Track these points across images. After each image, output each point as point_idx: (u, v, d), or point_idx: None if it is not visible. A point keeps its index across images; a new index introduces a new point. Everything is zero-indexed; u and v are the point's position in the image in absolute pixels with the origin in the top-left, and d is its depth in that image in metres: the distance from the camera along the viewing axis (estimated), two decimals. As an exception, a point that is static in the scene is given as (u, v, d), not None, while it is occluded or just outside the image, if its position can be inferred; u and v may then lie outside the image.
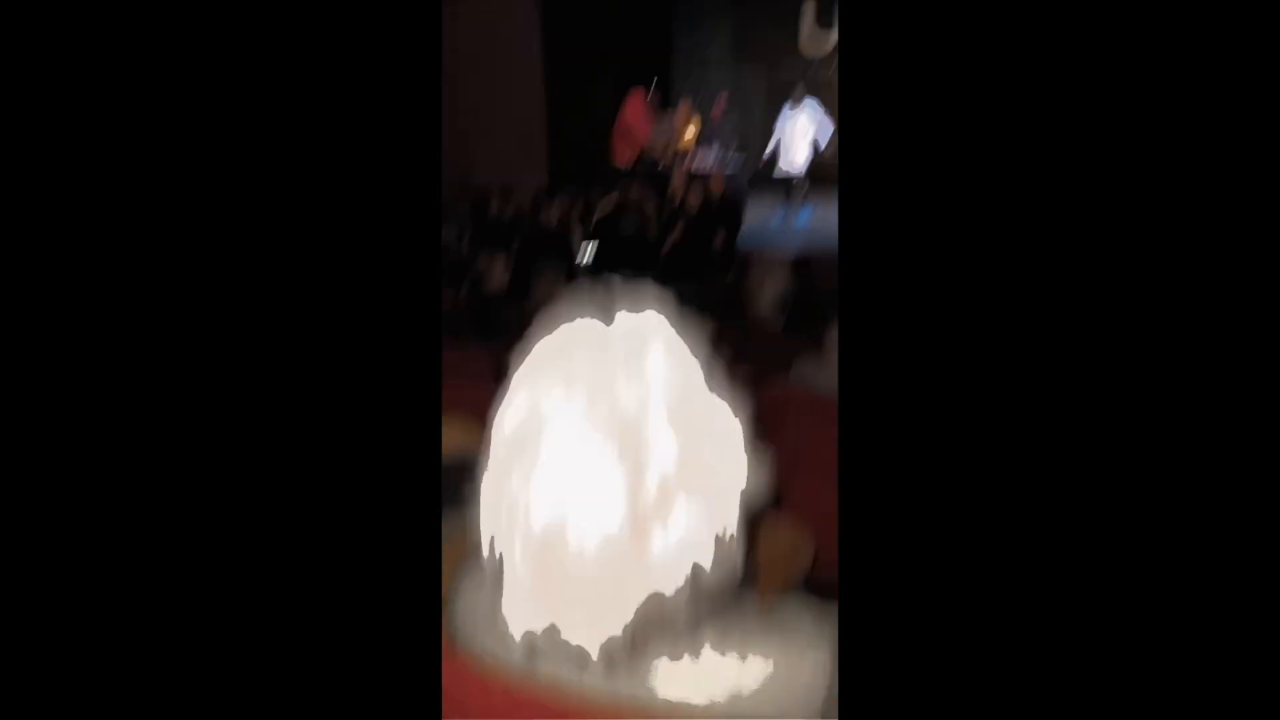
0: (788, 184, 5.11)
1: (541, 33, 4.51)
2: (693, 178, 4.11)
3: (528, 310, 1.89)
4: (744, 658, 0.37)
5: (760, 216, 5.05)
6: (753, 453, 0.36)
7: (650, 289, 0.37)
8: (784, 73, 5.86)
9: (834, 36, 5.86)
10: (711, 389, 0.36)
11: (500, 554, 0.35)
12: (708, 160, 4.82)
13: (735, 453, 0.36)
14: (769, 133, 5.23)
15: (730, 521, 0.35)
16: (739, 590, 0.37)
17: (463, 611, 0.46)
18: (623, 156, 5.03)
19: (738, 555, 0.35)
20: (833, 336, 1.24)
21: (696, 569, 0.34)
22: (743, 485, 0.35)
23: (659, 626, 0.35)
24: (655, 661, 0.36)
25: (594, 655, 0.35)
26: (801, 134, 4.99)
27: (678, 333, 0.37)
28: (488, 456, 0.36)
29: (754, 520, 0.36)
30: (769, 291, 1.79)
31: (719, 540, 0.34)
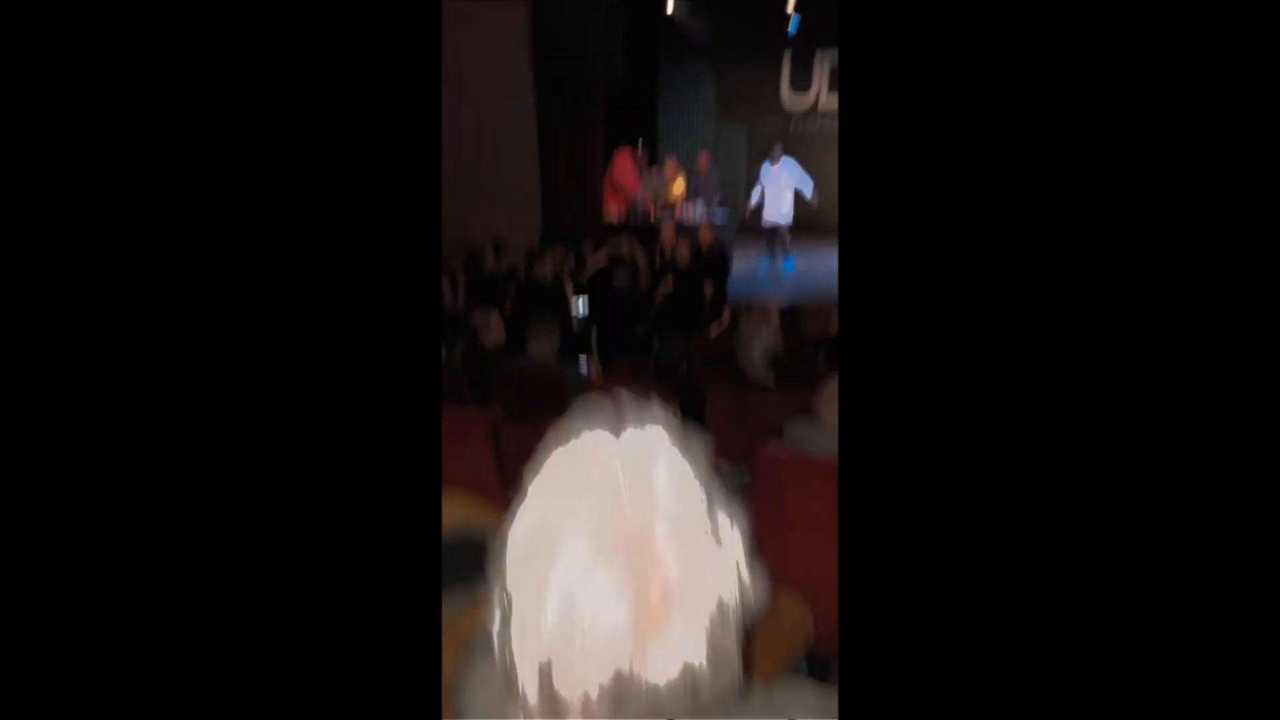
0: (772, 234, 5.23)
1: (534, 95, 4.67)
2: (681, 230, 4.20)
3: (524, 367, 1.89)
4: None
5: (748, 266, 5.14)
6: (752, 565, 0.37)
7: (657, 403, 0.39)
8: (763, 129, 6.11)
9: (810, 97, 6.12)
10: (713, 503, 0.38)
11: (510, 657, 0.36)
12: (695, 213, 4.93)
13: (735, 566, 0.37)
14: (751, 186, 5.39)
15: (730, 635, 0.36)
16: (739, 689, 0.37)
17: (469, 705, 0.47)
18: (613, 212, 5.15)
19: (737, 665, 0.36)
20: (825, 393, 1.25)
21: (696, 680, 0.35)
22: (742, 598, 0.37)
23: None
24: None
25: None
26: (784, 186, 5.13)
27: (681, 447, 0.38)
28: (501, 565, 0.37)
29: (752, 632, 0.37)
30: (759, 346, 1.81)
31: (718, 652, 0.35)
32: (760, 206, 5.22)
